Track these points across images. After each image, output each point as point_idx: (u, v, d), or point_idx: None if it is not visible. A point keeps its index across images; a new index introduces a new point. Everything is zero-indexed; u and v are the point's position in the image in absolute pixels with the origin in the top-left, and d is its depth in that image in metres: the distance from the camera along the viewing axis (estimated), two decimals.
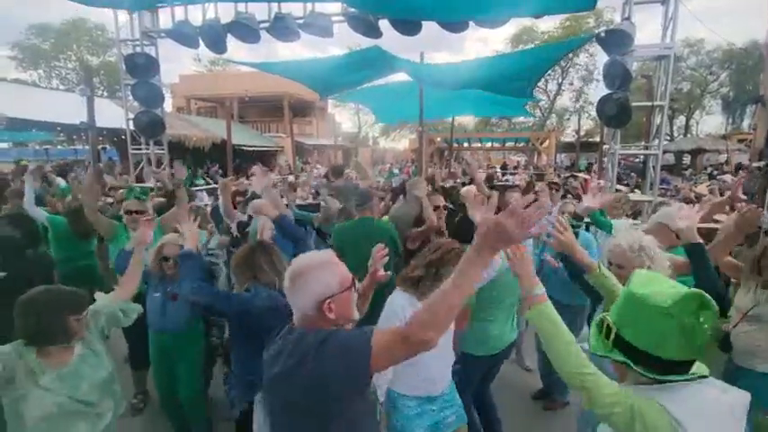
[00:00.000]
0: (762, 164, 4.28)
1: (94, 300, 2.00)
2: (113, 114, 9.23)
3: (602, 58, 4.94)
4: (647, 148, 5.49)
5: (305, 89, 8.86)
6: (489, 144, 23.15)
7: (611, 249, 2.05)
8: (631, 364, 1.18)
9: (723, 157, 19.00)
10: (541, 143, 19.73)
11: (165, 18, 6.20)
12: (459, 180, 8.43)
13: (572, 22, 26.39)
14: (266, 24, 5.61)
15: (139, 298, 2.35)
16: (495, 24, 5.18)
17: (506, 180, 12.35)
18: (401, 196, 4.49)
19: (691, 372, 1.17)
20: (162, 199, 4.60)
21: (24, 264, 2.79)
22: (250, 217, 3.46)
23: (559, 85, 30.89)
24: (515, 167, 19.76)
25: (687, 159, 19.95)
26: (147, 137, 6.54)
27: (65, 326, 1.71)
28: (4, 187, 5.89)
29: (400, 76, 7.32)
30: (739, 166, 16.11)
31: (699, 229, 2.01)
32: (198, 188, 8.37)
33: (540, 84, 21.46)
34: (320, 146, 25.84)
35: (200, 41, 5.84)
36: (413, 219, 3.42)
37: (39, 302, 1.68)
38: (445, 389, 2.19)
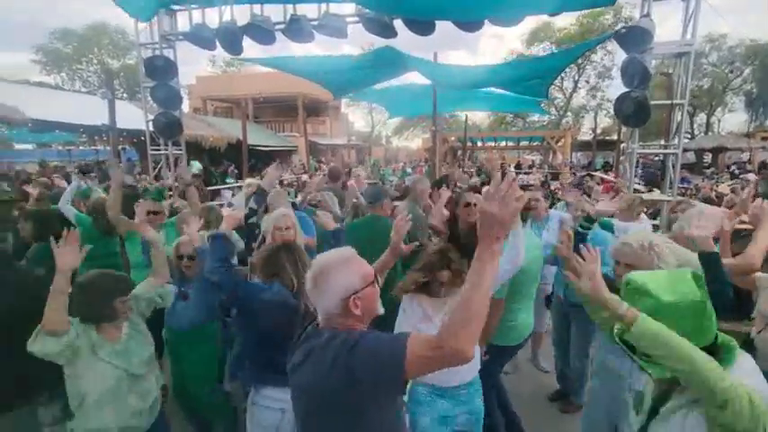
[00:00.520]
0: None
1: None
2: (133, 116, 9.43)
3: (619, 54, 4.86)
4: (666, 147, 5.38)
5: (319, 89, 8.92)
6: (503, 143, 22.94)
7: (619, 249, 2.06)
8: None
9: (746, 156, 18.51)
10: (557, 142, 19.47)
11: (182, 21, 6.33)
12: (472, 180, 8.39)
13: (589, 19, 25.95)
14: (281, 26, 5.68)
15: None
16: (511, 23, 5.15)
17: (520, 180, 12.23)
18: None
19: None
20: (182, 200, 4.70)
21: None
22: (253, 209, 3.46)
23: (575, 82, 30.36)
24: (530, 167, 19.54)
25: (708, 158, 19.48)
26: (166, 138, 6.68)
27: (113, 307, 1.95)
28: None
29: (414, 77, 7.33)
30: (763, 165, 15.67)
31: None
32: (226, 186, 8.53)
33: (555, 81, 21.16)
34: (334, 145, 25.98)
35: (217, 43, 5.94)
36: (424, 219, 3.42)
37: (93, 285, 1.91)
38: (461, 385, 2.11)
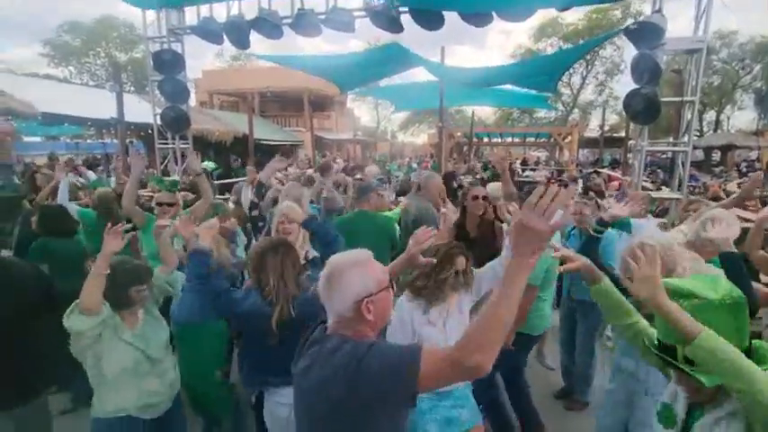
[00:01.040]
0: None
1: None
2: (141, 110, 9.46)
3: (628, 50, 4.81)
4: (675, 144, 5.34)
5: (325, 84, 8.95)
6: (510, 139, 22.80)
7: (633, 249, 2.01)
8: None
9: (755, 154, 18.30)
10: (564, 138, 19.31)
11: (190, 15, 6.36)
12: (478, 176, 8.37)
13: (598, 14, 25.66)
14: (289, 20, 5.68)
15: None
16: (520, 18, 5.11)
17: (526, 176, 12.17)
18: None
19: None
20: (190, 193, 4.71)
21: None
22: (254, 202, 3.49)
23: (583, 78, 30.08)
24: (536, 163, 19.41)
25: (717, 156, 19.26)
26: (174, 132, 6.71)
27: (128, 295, 2.04)
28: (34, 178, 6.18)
29: (420, 75, 7.31)
30: None
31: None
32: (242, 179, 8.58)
33: (563, 77, 20.95)
34: (339, 140, 25.96)
35: (225, 37, 5.94)
36: (432, 213, 3.41)
37: (112, 273, 1.96)
38: (456, 386, 2.12)
